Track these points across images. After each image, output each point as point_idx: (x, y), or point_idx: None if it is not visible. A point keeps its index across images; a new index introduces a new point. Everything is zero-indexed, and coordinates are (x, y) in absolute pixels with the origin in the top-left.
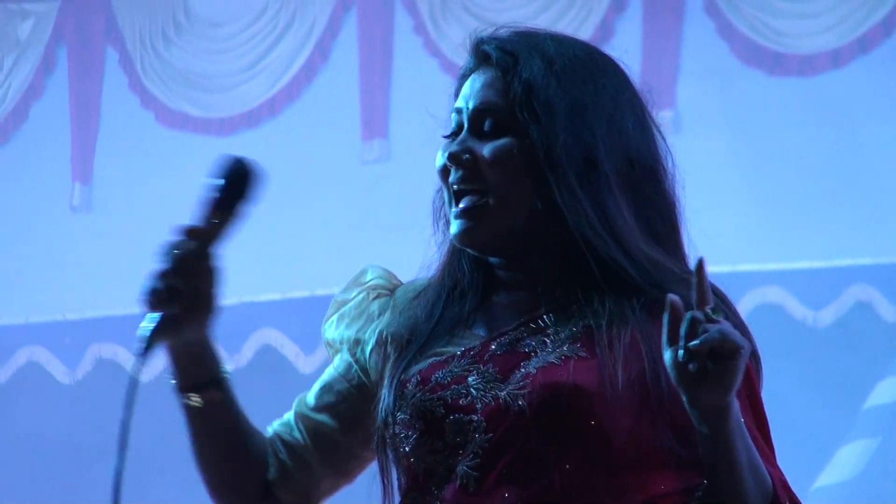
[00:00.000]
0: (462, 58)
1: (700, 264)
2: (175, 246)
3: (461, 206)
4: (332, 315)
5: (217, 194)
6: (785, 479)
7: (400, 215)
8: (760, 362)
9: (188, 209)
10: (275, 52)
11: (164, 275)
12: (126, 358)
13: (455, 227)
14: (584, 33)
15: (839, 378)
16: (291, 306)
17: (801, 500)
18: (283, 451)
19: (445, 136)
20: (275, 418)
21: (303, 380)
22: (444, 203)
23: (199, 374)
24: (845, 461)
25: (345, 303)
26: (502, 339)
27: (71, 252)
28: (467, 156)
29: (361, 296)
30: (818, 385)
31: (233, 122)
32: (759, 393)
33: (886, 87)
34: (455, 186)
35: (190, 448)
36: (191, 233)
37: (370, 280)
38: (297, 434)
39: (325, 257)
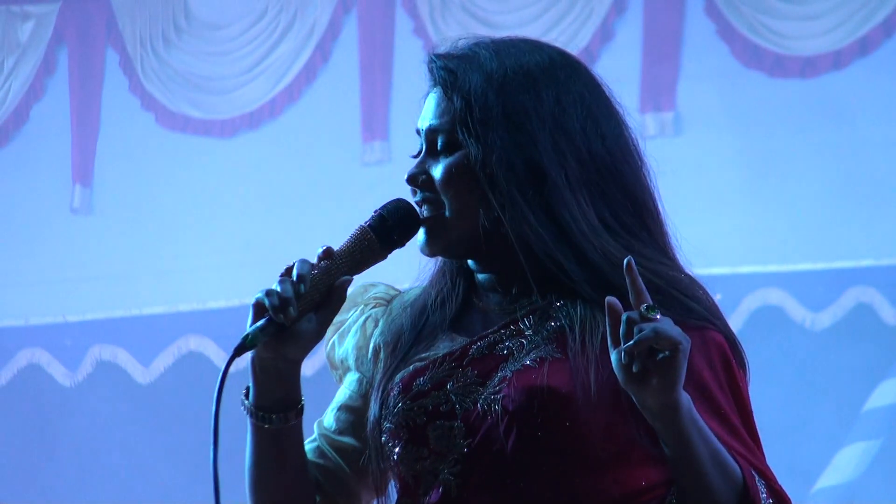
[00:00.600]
0: None
1: (629, 265)
2: (309, 262)
3: (423, 221)
4: (331, 337)
5: (374, 225)
6: (761, 466)
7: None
8: (742, 353)
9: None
10: (275, 53)
11: (289, 281)
12: (126, 359)
13: (419, 237)
14: (585, 35)
15: (839, 380)
16: None
17: (803, 502)
18: (320, 475)
19: (413, 157)
20: None
21: (304, 382)
22: None
23: (282, 396)
24: (846, 463)
25: (342, 323)
26: (481, 342)
27: (71, 254)
28: (423, 177)
29: (357, 311)
30: (818, 387)
31: (233, 123)
32: (740, 382)
33: (887, 89)
34: (419, 203)
35: (249, 467)
36: (327, 252)
37: (369, 295)
38: (329, 457)
39: None
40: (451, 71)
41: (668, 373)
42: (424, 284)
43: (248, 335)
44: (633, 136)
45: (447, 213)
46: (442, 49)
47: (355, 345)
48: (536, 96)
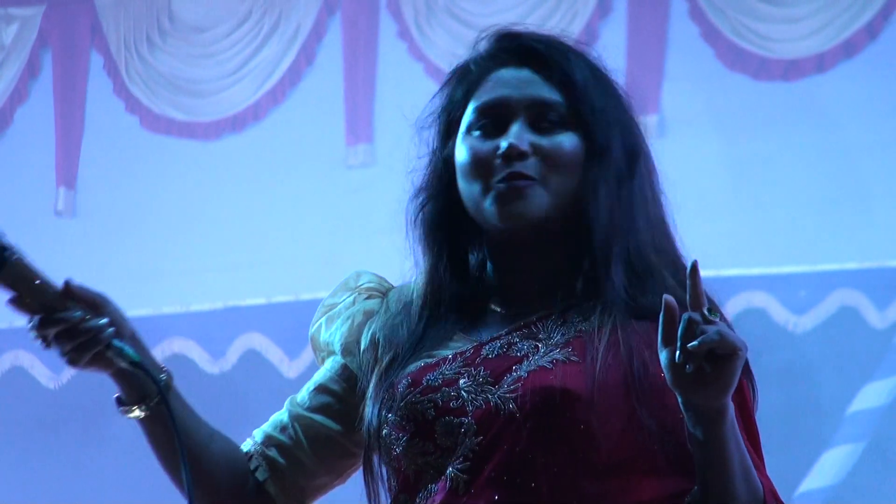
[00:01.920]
0: (447, 62)
1: (694, 267)
2: (44, 323)
3: (512, 184)
4: (319, 318)
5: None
6: (774, 488)
7: (385, 220)
8: (752, 374)
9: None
10: (259, 56)
11: (68, 334)
12: None
13: (503, 203)
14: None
15: (823, 382)
16: (276, 311)
17: None
18: (275, 450)
19: (479, 133)
20: (259, 422)
21: (288, 384)
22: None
23: (135, 385)
24: (830, 466)
25: (333, 306)
26: (495, 343)
27: (55, 257)
28: (528, 149)
29: (351, 298)
30: (802, 389)
31: (218, 126)
32: (750, 403)
33: (871, 92)
34: (506, 174)
35: (161, 465)
36: (25, 306)
37: (361, 283)
38: (291, 433)
39: (310, 262)
40: (559, 52)
41: (724, 376)
42: (420, 282)
43: (140, 366)
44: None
45: (540, 189)
46: (512, 30)
47: (345, 332)
48: (619, 89)
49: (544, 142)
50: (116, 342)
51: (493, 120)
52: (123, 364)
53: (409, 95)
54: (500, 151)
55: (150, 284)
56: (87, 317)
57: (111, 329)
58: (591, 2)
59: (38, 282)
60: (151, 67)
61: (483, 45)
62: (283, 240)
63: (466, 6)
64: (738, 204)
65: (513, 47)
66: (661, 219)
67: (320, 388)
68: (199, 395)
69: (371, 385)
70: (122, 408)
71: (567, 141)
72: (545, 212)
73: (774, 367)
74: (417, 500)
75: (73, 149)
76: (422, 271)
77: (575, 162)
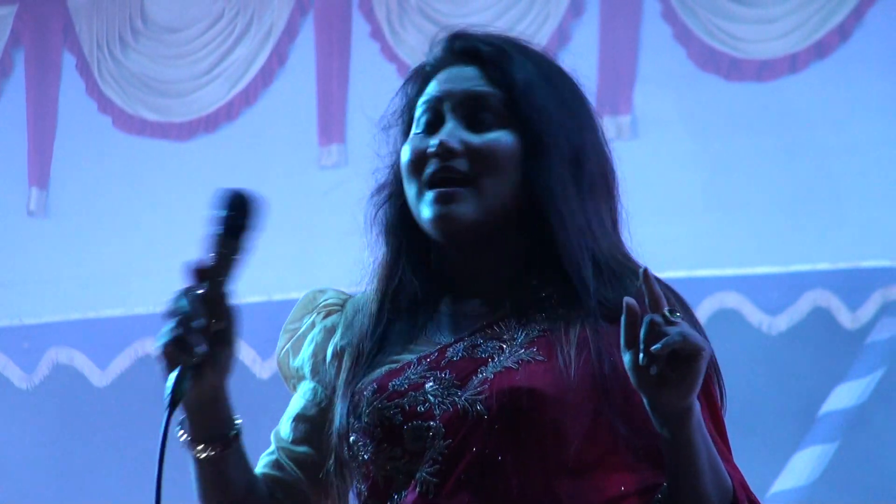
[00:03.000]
0: (419, 62)
1: (645, 273)
2: (187, 290)
3: (442, 189)
4: (285, 345)
5: (220, 228)
6: (743, 479)
7: (357, 220)
8: (718, 367)
9: (144, 213)
10: (232, 56)
11: (180, 320)
12: (83, 362)
13: (431, 211)
14: (541, 38)
15: (796, 383)
16: (248, 311)
17: None
18: (279, 489)
19: (418, 132)
20: None
21: (260, 385)
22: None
23: (215, 426)
24: (802, 466)
25: (296, 331)
26: (458, 345)
27: (28, 257)
28: (459, 147)
29: (310, 320)
30: (775, 390)
31: (190, 126)
32: (716, 396)
33: (843, 93)
34: (437, 175)
35: (198, 497)
36: (200, 273)
37: (319, 302)
38: (287, 469)
39: (282, 262)
40: (500, 49)
41: (688, 378)
42: (377, 283)
43: (171, 393)
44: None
45: (474, 190)
46: (459, 30)
47: (311, 353)
48: (575, 95)
49: (476, 140)
50: (185, 370)
51: (433, 117)
52: (169, 388)
53: (381, 96)
54: (429, 150)
55: (123, 285)
56: (204, 327)
57: (197, 357)
58: (564, 3)
59: (221, 279)
60: (124, 68)
61: (437, 46)
62: (255, 240)
63: (439, 7)
64: (710, 204)
65: (462, 47)
66: (615, 222)
67: (298, 419)
68: None
69: (339, 392)
70: (188, 440)
71: (501, 138)
72: (476, 215)
73: (747, 367)
74: None
75: (46, 149)
76: (379, 271)
77: (508, 160)
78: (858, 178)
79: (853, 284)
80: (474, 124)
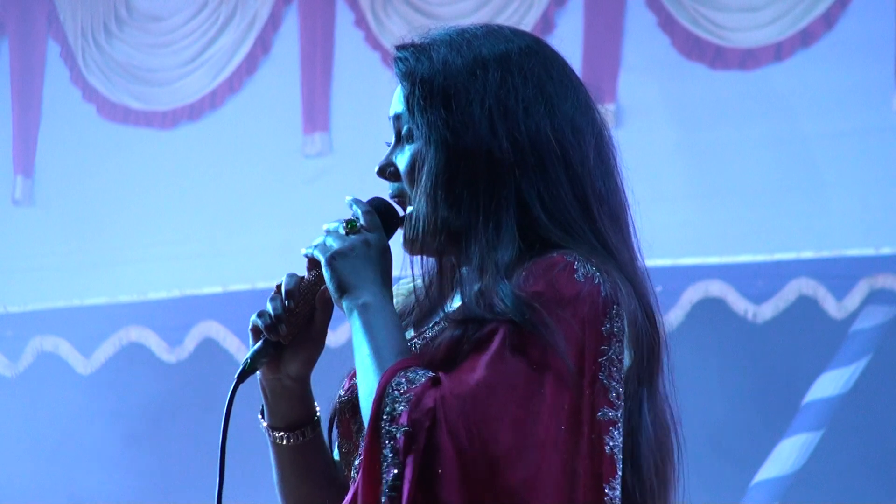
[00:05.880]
0: None
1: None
2: (296, 275)
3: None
4: None
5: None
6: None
7: (342, 209)
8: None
9: (129, 202)
10: (216, 45)
11: (278, 298)
12: (67, 350)
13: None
14: (525, 27)
15: (781, 371)
16: (233, 299)
17: (743, 494)
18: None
19: (388, 143)
20: (215, 409)
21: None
22: None
23: (294, 415)
24: (787, 455)
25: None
26: (419, 338)
27: (13, 245)
28: (391, 168)
29: None
30: (760, 378)
31: (174, 114)
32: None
33: (828, 81)
34: (391, 197)
35: (276, 481)
36: (316, 264)
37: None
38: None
39: (266, 251)
40: (404, 59)
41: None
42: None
43: (246, 360)
44: (598, 124)
45: (413, 208)
46: (406, 40)
47: None
48: (482, 78)
49: (397, 159)
50: (260, 346)
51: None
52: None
53: (365, 85)
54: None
55: (107, 272)
56: (280, 312)
57: (276, 336)
58: None
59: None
60: (108, 56)
61: None
62: (239, 228)
63: None
64: (694, 193)
65: (395, 61)
66: (573, 192)
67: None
68: (156, 384)
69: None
70: (269, 428)
71: (406, 155)
72: (421, 234)
73: (732, 356)
74: None
75: (31, 137)
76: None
77: (418, 172)
78: (843, 167)
79: (838, 273)
80: (399, 140)
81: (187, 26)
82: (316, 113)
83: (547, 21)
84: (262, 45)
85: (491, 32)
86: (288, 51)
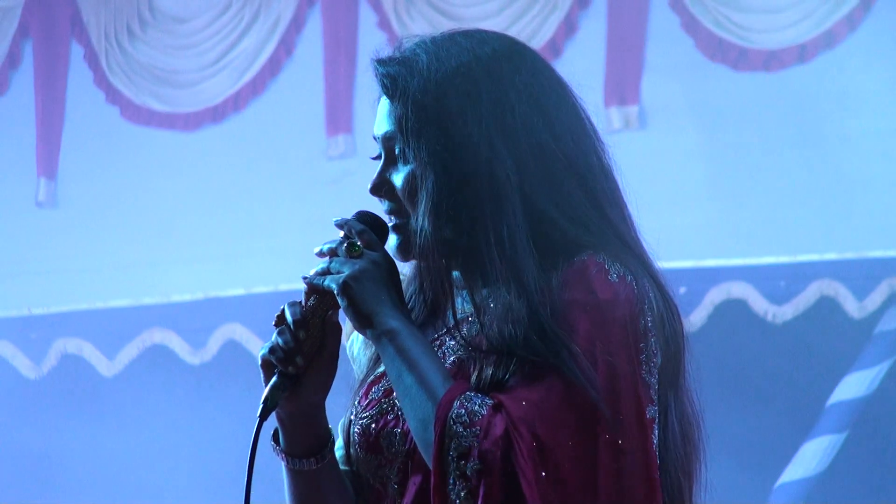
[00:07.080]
0: None
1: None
2: (298, 303)
3: (390, 224)
4: (351, 332)
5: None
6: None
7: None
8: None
9: (151, 204)
10: (239, 47)
11: (287, 331)
12: (90, 352)
13: (390, 244)
14: (549, 29)
15: (802, 372)
16: (256, 301)
17: (767, 496)
18: (352, 482)
19: (373, 159)
20: (240, 412)
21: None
22: None
23: (311, 441)
24: (810, 457)
25: None
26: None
27: (36, 247)
28: (386, 186)
29: None
30: (782, 380)
31: (198, 117)
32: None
33: (851, 82)
34: (386, 212)
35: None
36: (315, 290)
37: None
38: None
39: (289, 253)
40: (392, 77)
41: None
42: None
43: (266, 398)
44: (590, 125)
45: (410, 221)
46: (384, 53)
47: (353, 354)
48: (475, 96)
49: (392, 178)
50: (276, 380)
51: (378, 150)
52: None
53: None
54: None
55: (131, 275)
56: (293, 345)
57: (294, 369)
58: None
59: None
60: (132, 58)
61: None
62: (262, 230)
63: None
64: (717, 194)
65: (375, 76)
66: (570, 202)
67: (341, 426)
68: (179, 386)
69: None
70: (287, 455)
71: (403, 175)
72: (416, 250)
73: (754, 357)
74: None
75: (54, 139)
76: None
77: (416, 192)
78: (866, 168)
79: (860, 274)
80: (392, 158)
81: (211, 28)
82: (339, 115)
83: (570, 23)
84: (286, 47)
85: (478, 42)
86: (311, 53)
